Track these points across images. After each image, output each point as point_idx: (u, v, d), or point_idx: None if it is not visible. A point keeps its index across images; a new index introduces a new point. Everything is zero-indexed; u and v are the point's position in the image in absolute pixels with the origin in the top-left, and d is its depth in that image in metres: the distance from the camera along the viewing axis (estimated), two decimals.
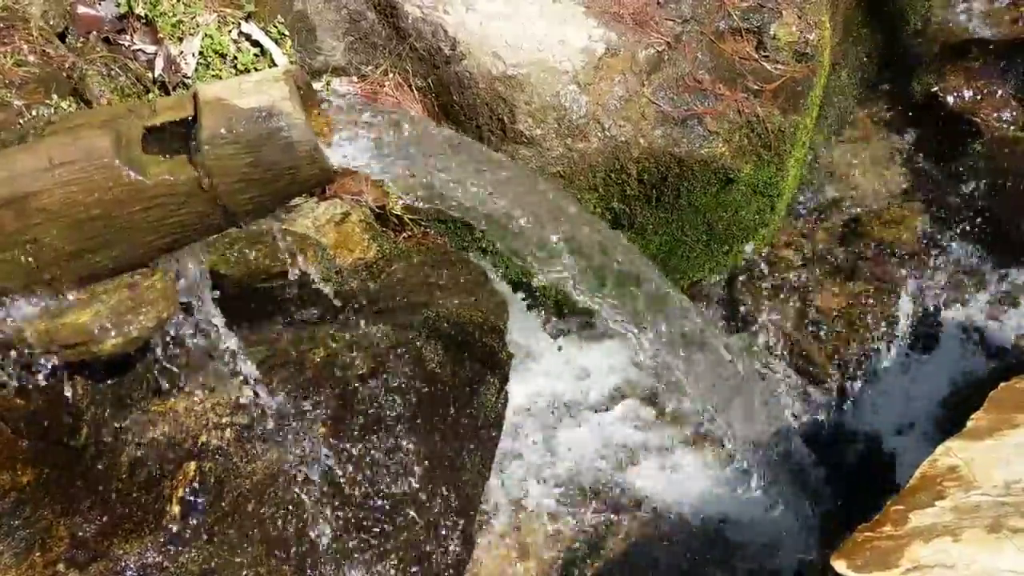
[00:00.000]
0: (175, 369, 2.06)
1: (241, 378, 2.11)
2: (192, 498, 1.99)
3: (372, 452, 2.19)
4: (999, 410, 2.12)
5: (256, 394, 2.12)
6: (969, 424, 2.09)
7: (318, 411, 2.17)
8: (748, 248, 3.24)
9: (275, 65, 2.75)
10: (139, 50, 2.65)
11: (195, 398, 2.11)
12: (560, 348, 3.15)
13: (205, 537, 1.98)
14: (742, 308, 3.27)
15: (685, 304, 2.50)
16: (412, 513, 2.21)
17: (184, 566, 1.94)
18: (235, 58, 2.73)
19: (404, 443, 2.24)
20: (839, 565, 1.83)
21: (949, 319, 3.21)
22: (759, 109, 2.91)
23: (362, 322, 2.37)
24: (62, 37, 2.49)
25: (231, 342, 1.99)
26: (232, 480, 2.04)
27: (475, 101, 2.82)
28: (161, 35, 2.67)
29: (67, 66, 2.33)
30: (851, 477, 2.98)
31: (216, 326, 1.96)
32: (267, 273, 2.27)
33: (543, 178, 2.56)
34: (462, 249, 2.88)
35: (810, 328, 3.23)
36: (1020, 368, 2.50)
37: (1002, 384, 2.20)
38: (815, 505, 2.91)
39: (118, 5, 2.64)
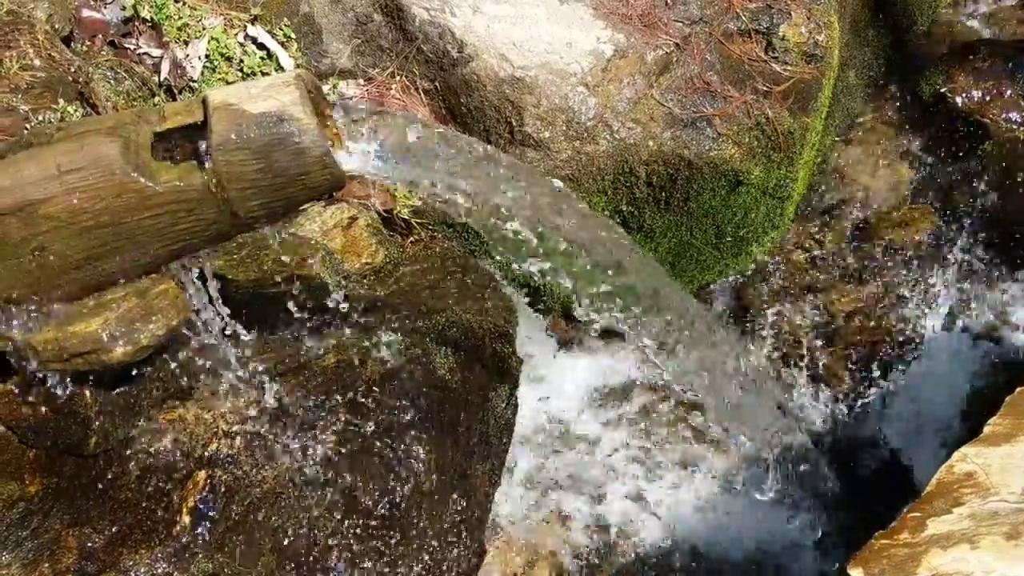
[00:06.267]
0: (185, 377, 2.04)
1: (251, 385, 2.09)
2: (202, 507, 1.97)
3: (382, 460, 2.17)
4: (1016, 415, 2.10)
5: (266, 401, 2.10)
6: (986, 430, 2.08)
7: (328, 418, 2.15)
8: (758, 251, 3.22)
9: (281, 68, 2.73)
10: (145, 54, 2.64)
11: (205, 406, 2.09)
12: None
13: (215, 547, 1.96)
14: (752, 311, 3.26)
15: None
16: (423, 521, 2.19)
17: None
18: (241, 61, 2.71)
19: (414, 450, 2.21)
20: (856, 573, 1.82)
21: (962, 321, 3.19)
22: (768, 111, 2.89)
23: (371, 328, 2.35)
24: (67, 41, 2.47)
25: (243, 348, 1.97)
26: (242, 489, 2.02)
27: (482, 104, 2.80)
28: (167, 38, 2.65)
29: (73, 70, 2.31)
30: (867, 483, 2.96)
31: (227, 332, 1.94)
32: (276, 278, 2.24)
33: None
34: (470, 253, 2.86)
35: (821, 331, 3.21)
36: None
37: (1019, 388, 2.19)
38: (831, 511, 2.89)
39: (123, 9, 2.62)
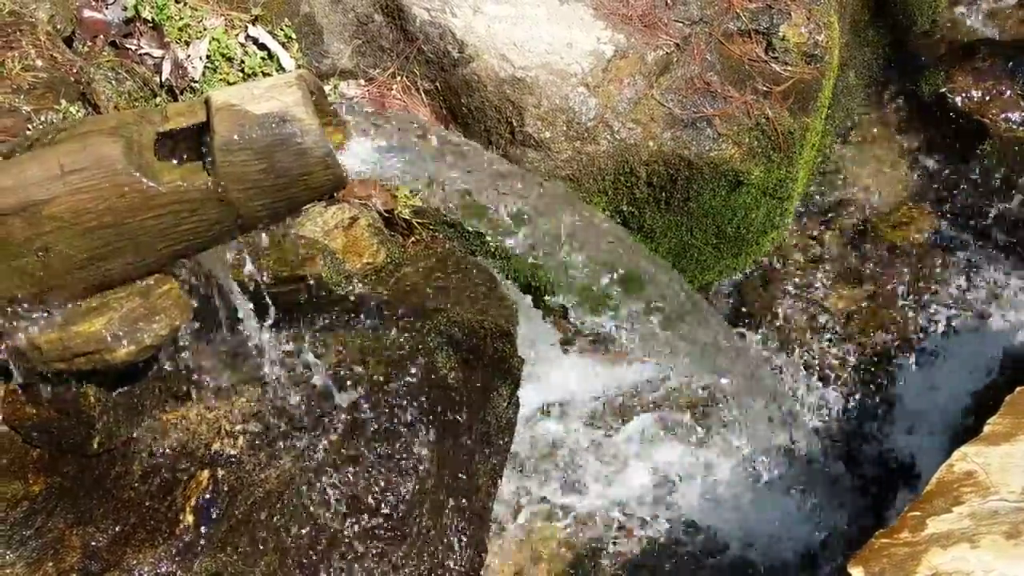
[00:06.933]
0: (188, 376, 2.05)
1: (254, 384, 2.10)
2: (205, 507, 1.98)
3: (384, 459, 2.18)
4: (1016, 415, 2.11)
5: (268, 400, 2.11)
6: (986, 429, 2.08)
7: (331, 417, 2.16)
8: (758, 251, 3.23)
9: (282, 68, 2.73)
10: (146, 54, 2.64)
11: (208, 405, 2.10)
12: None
13: (218, 546, 1.96)
14: (752, 311, 3.27)
15: None
16: (425, 521, 2.19)
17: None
18: (242, 62, 2.71)
19: (416, 450, 2.22)
20: (856, 572, 1.82)
21: (961, 322, 3.20)
22: (768, 111, 2.90)
23: (373, 328, 2.36)
24: (69, 42, 2.48)
25: (262, 339, 1.98)
26: (245, 488, 2.03)
27: (483, 104, 2.81)
28: (168, 39, 2.65)
29: (74, 71, 2.32)
30: (867, 482, 2.97)
31: (247, 325, 1.95)
32: (277, 279, 2.25)
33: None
34: (470, 253, 2.87)
35: (821, 331, 3.22)
36: None
37: (1019, 388, 2.19)
38: (830, 510, 2.90)
39: (124, 9, 2.62)
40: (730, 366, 2.49)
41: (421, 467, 2.20)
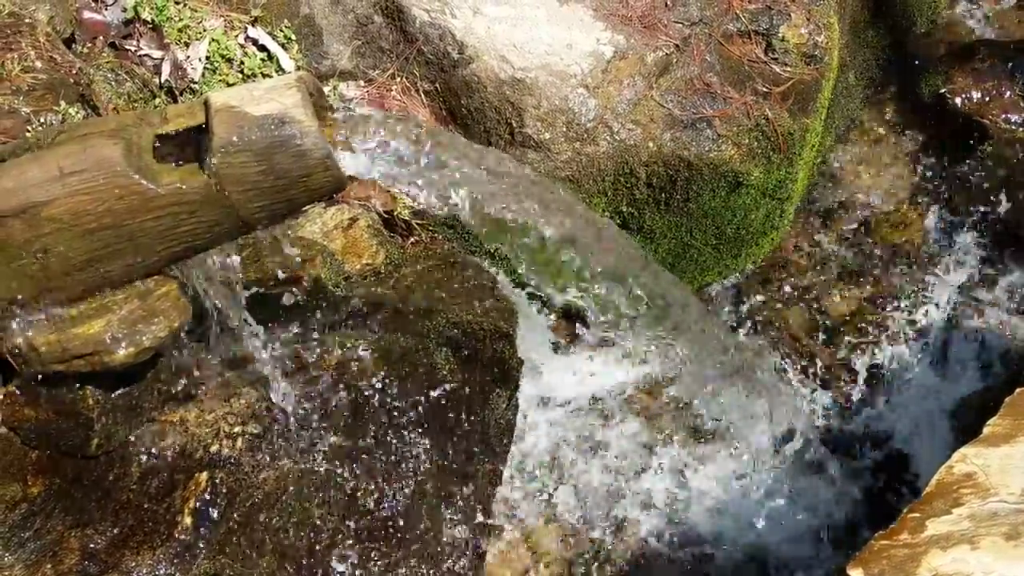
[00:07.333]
0: (187, 378, 2.05)
1: (253, 385, 2.10)
2: (204, 509, 1.98)
3: (384, 461, 2.18)
4: (1016, 416, 2.10)
5: (268, 402, 2.11)
6: (985, 430, 2.08)
7: (330, 419, 2.16)
8: (758, 251, 3.23)
9: (282, 70, 2.73)
10: (145, 55, 2.64)
11: (206, 407, 2.10)
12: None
13: (217, 548, 1.96)
14: (751, 312, 3.27)
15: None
16: (424, 522, 2.19)
17: None
18: (242, 63, 2.71)
19: (415, 451, 2.22)
20: (856, 573, 1.82)
21: (961, 323, 3.20)
22: (768, 112, 2.90)
23: (372, 329, 2.36)
24: (69, 43, 2.48)
25: (257, 343, 1.98)
26: (244, 490, 2.03)
27: (483, 105, 2.81)
28: (167, 40, 2.66)
29: (74, 72, 2.32)
30: (866, 484, 2.97)
31: (244, 328, 1.95)
32: (277, 279, 2.25)
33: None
34: (470, 254, 2.87)
35: (820, 332, 3.22)
36: None
37: (1019, 389, 2.18)
38: (830, 513, 2.90)
39: (124, 10, 2.63)
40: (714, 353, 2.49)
41: (420, 468, 2.20)
